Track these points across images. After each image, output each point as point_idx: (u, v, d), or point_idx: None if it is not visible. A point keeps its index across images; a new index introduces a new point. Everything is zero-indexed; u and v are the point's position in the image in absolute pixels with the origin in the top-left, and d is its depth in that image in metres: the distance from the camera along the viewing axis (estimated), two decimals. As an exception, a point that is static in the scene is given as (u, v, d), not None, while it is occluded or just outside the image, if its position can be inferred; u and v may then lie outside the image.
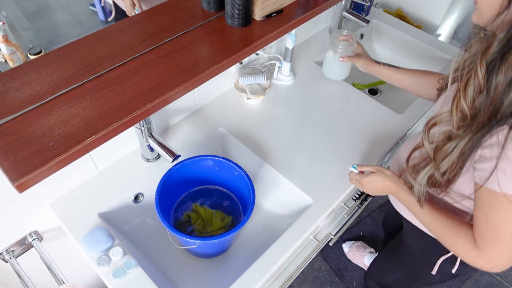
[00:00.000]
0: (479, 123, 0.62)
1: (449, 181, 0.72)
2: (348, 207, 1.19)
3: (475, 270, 0.93)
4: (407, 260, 1.11)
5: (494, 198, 0.62)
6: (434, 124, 0.71)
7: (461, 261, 0.93)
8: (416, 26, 1.69)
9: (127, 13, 1.05)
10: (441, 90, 0.89)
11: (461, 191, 0.75)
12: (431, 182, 0.75)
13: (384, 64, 1.10)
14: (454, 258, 0.93)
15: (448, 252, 0.92)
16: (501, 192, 0.60)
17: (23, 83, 0.75)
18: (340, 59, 1.15)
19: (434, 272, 0.99)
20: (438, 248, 0.93)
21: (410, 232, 1.04)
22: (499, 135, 0.60)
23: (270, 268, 0.88)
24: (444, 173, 0.71)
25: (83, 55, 0.82)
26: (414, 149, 0.81)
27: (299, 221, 0.96)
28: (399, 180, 0.84)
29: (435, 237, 0.79)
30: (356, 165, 0.91)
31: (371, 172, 0.88)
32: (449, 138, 0.68)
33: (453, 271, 0.95)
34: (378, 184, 0.86)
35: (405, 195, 0.82)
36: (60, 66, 0.79)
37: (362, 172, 0.90)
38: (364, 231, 1.95)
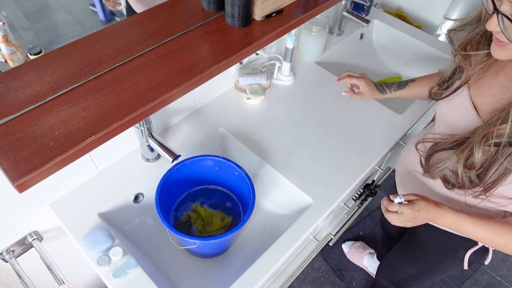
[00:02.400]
0: None
1: (491, 185, 0.73)
2: (348, 207, 1.19)
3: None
4: (426, 256, 1.10)
5: None
6: (487, 139, 0.70)
7: (485, 249, 0.95)
8: (416, 26, 1.69)
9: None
10: (438, 94, 0.89)
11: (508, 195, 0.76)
12: (469, 183, 0.76)
13: (386, 87, 1.08)
14: (482, 250, 0.94)
15: (475, 245, 0.94)
16: None
17: (23, 83, 0.75)
18: (344, 94, 1.13)
19: (466, 267, 0.99)
20: (463, 243, 0.96)
21: (429, 232, 1.04)
22: None
23: (270, 268, 0.88)
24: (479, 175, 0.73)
25: (83, 55, 0.82)
26: (436, 150, 0.81)
27: (299, 221, 0.96)
28: (439, 202, 0.81)
29: (491, 246, 0.81)
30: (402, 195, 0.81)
31: (412, 201, 0.81)
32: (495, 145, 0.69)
33: (486, 262, 0.96)
34: (424, 210, 0.79)
35: (451, 215, 0.79)
36: (60, 66, 0.79)
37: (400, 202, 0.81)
38: (364, 231, 1.95)
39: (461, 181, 0.77)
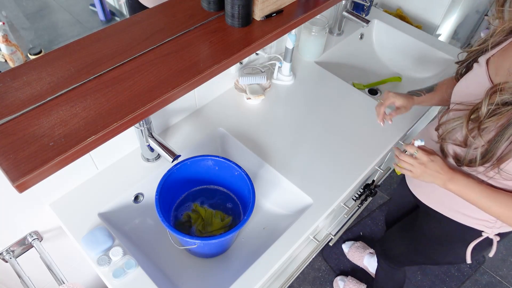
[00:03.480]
0: None
1: (502, 158, 0.73)
2: (348, 207, 1.19)
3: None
4: (420, 238, 1.11)
5: None
6: (495, 91, 0.72)
7: (488, 243, 0.95)
8: (416, 26, 1.69)
9: None
10: (464, 62, 0.91)
11: None
12: (483, 159, 0.76)
13: (417, 91, 1.05)
14: (485, 243, 0.95)
15: (478, 237, 0.94)
16: None
17: (23, 83, 0.75)
18: (388, 122, 1.06)
19: (468, 260, 1.00)
20: (463, 236, 0.96)
21: (428, 220, 1.05)
22: None
23: (270, 268, 0.88)
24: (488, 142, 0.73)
25: (83, 55, 0.82)
26: (449, 111, 0.82)
27: (299, 221, 0.96)
28: (452, 168, 0.82)
29: (495, 217, 0.80)
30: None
31: (431, 153, 0.82)
32: (505, 104, 0.71)
33: (491, 255, 0.96)
34: (439, 165, 0.81)
35: (463, 178, 0.80)
36: (60, 66, 0.79)
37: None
38: (364, 231, 1.95)
39: (465, 138, 0.77)
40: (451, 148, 0.86)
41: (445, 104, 1.07)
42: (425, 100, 1.07)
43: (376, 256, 1.50)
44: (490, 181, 0.82)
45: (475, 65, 0.86)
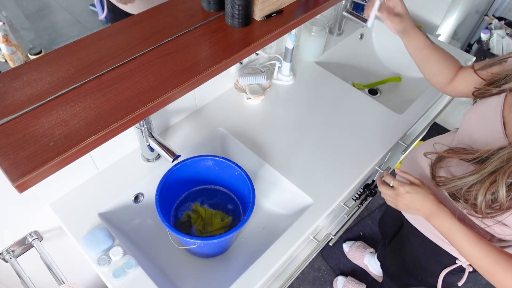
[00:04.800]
0: None
1: (499, 208, 0.65)
2: (348, 207, 1.19)
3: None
4: (408, 260, 1.11)
5: None
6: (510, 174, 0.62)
7: (461, 270, 0.92)
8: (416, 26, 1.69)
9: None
10: (480, 95, 0.79)
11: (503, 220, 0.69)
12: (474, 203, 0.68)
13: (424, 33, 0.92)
14: (458, 270, 0.92)
15: (452, 264, 0.91)
16: None
17: (23, 83, 0.75)
18: (379, 14, 0.89)
19: (439, 286, 0.96)
20: (441, 259, 0.94)
21: (412, 239, 1.03)
22: None
23: (270, 268, 0.88)
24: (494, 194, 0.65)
25: (83, 55, 0.82)
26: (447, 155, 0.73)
27: (299, 221, 0.96)
28: (440, 202, 0.75)
29: (472, 265, 0.73)
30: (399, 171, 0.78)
31: (412, 182, 0.76)
32: None
33: (460, 284, 0.91)
34: (418, 198, 0.74)
35: (449, 219, 0.73)
36: (60, 66, 0.79)
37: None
38: (364, 231, 1.95)
39: (480, 209, 0.68)
40: (444, 172, 0.77)
41: (417, 55, 0.94)
42: (417, 35, 0.91)
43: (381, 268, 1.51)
44: (481, 224, 0.75)
45: (496, 97, 0.72)
